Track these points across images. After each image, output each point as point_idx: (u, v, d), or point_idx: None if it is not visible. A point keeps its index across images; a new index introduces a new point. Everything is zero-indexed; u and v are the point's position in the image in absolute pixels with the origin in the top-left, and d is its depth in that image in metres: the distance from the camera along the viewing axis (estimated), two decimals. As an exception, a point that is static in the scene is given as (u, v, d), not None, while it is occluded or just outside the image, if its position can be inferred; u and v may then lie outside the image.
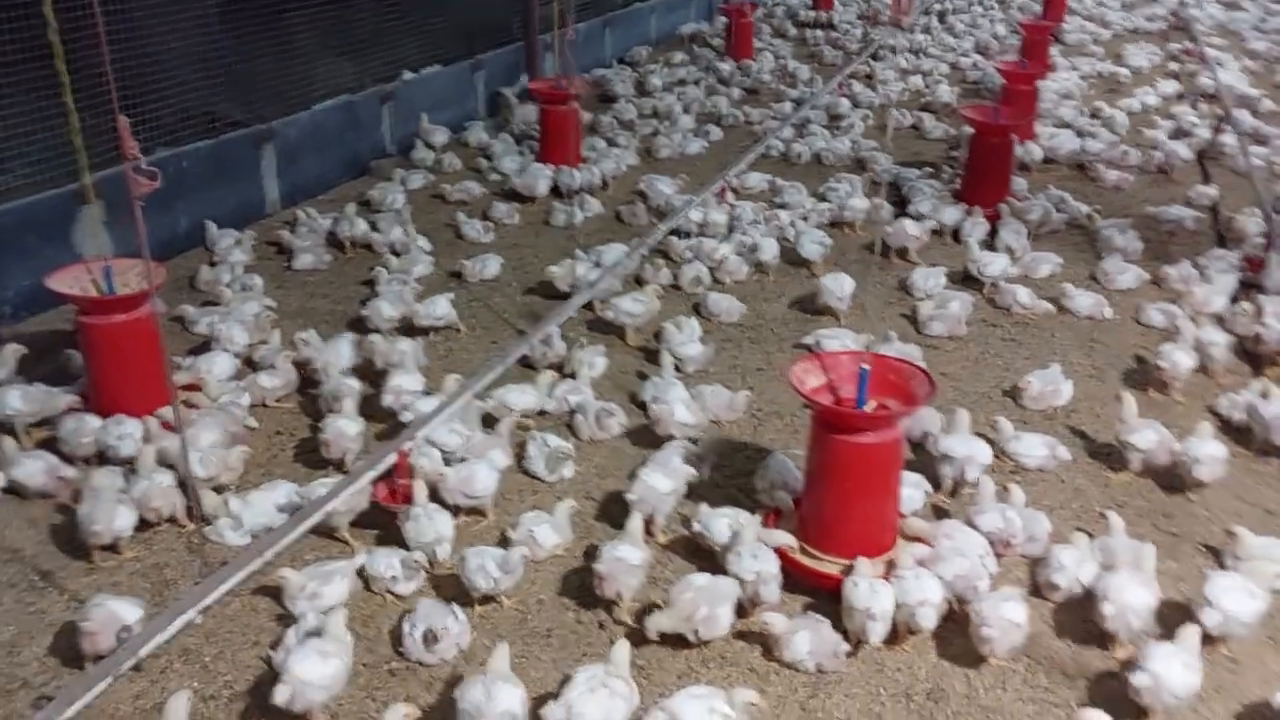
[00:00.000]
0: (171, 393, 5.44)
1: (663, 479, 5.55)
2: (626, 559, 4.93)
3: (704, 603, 4.72)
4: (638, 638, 4.73)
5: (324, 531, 5.51)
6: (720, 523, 5.23)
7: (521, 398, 6.62)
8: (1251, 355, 7.52)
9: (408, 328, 7.65)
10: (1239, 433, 6.45)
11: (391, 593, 5.13)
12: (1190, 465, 5.91)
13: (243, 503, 5.60)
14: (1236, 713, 4.52)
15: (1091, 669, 4.75)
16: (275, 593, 5.07)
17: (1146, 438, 6.06)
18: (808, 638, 4.69)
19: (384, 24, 12.31)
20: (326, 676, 4.29)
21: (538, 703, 4.27)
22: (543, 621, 5.05)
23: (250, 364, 7.14)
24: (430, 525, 5.31)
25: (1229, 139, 12.12)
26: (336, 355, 6.89)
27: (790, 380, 5.21)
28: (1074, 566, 5.12)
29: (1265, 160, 11.64)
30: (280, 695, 4.20)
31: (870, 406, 5.13)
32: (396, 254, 9.13)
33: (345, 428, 6.09)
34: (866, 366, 5.12)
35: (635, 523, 5.23)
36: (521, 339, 6.92)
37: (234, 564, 4.64)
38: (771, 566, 4.93)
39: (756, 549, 4.98)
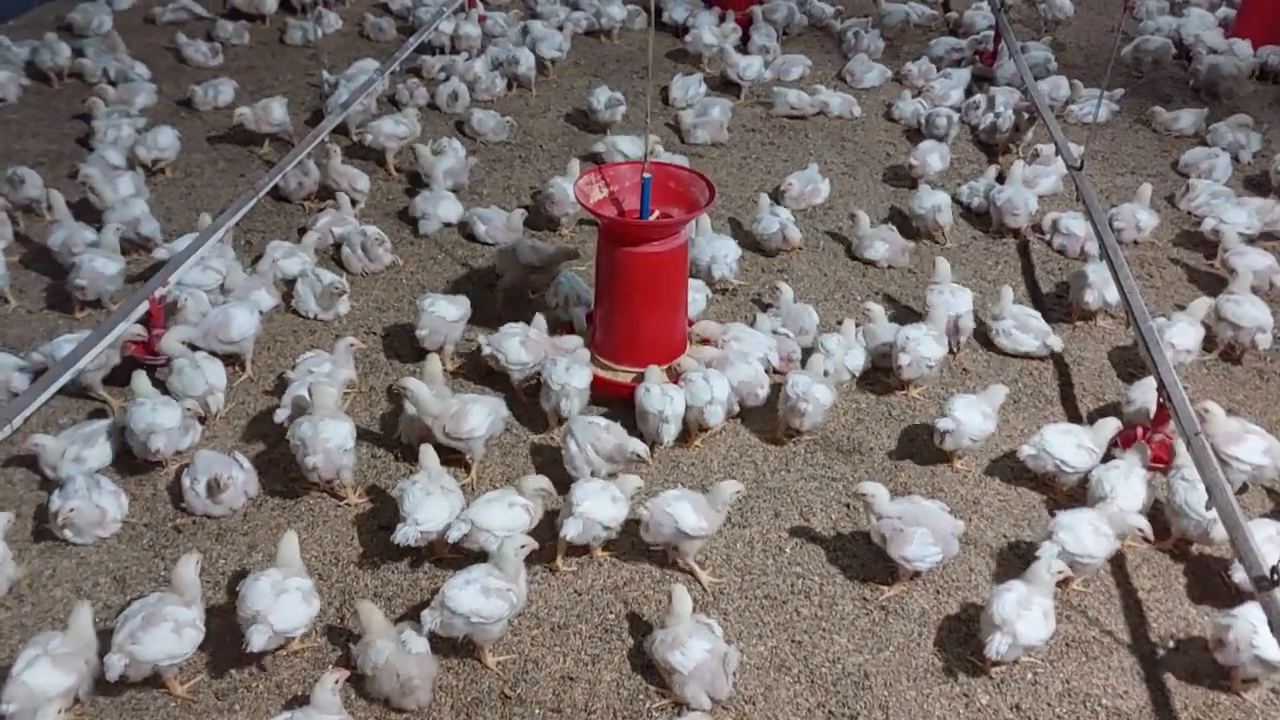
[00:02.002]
0: None
1: (448, 306, 5.39)
2: (421, 395, 4.76)
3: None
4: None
5: (75, 392, 5.06)
6: (512, 342, 5.15)
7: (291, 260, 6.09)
8: (987, 145, 8.07)
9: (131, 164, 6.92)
10: (978, 217, 6.96)
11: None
12: (935, 213, 6.66)
13: None
14: (986, 468, 5.07)
15: (865, 446, 5.16)
16: (30, 462, 4.67)
17: (879, 249, 6.53)
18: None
19: None
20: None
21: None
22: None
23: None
24: (199, 375, 4.95)
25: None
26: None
27: (575, 195, 5.12)
28: (840, 351, 5.45)
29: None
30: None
31: (654, 215, 5.13)
32: (113, 83, 8.15)
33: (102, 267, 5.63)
34: (648, 175, 5.07)
35: (434, 365, 5.02)
36: (273, 168, 6.38)
37: (-23, 436, 4.16)
38: (580, 381, 4.95)
39: (570, 363, 4.98)
